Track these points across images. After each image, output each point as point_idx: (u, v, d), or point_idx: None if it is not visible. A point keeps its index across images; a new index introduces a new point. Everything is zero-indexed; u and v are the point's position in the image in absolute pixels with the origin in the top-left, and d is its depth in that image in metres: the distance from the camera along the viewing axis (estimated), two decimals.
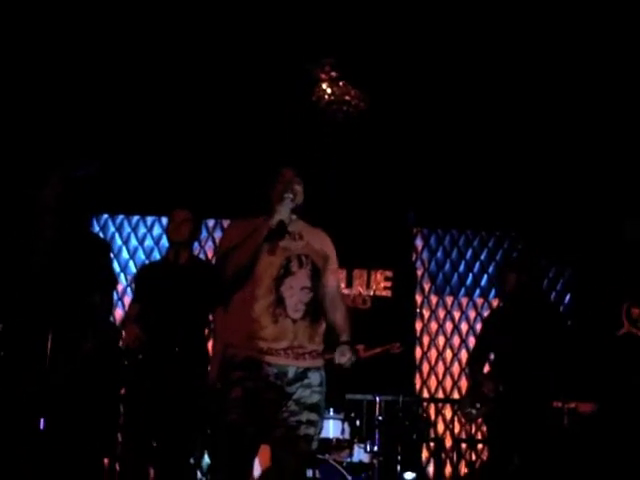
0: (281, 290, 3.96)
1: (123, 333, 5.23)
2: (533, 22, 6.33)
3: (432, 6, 6.16)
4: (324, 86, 6.89)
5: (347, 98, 6.94)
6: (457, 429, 8.68)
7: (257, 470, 5.41)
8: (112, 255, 5.71)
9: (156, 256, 8.70)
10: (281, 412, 3.88)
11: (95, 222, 8.86)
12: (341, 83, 6.88)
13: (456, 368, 8.91)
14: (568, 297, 9.02)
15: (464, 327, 9.01)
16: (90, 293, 4.81)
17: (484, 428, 7.36)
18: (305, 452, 3.94)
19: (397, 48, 6.62)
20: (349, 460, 6.34)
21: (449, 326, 9.03)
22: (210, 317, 5.55)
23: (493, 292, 9.03)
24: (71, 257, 4.78)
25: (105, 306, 5.05)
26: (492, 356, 6.36)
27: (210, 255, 8.82)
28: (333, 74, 6.85)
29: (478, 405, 5.98)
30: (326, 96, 6.93)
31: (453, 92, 7.18)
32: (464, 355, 8.69)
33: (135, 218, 8.98)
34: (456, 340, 9.00)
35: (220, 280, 4.02)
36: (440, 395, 8.88)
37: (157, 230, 8.91)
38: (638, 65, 6.59)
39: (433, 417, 8.74)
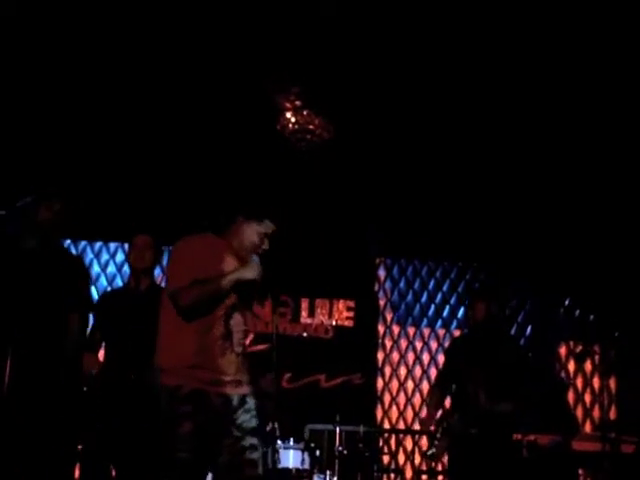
0: (230, 324, 4.01)
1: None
2: (508, 61, 6.41)
3: (397, 36, 6.20)
4: (288, 115, 6.91)
5: (311, 127, 6.96)
6: (418, 460, 8.66)
7: None
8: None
9: (118, 283, 8.64)
10: (226, 439, 3.89)
11: None
12: (305, 112, 6.90)
13: (417, 399, 8.91)
14: (529, 329, 9.07)
15: (426, 358, 9.02)
16: (66, 312, 4.88)
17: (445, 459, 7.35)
18: (252, 477, 3.90)
19: (362, 77, 6.66)
20: None
21: (411, 356, 9.04)
22: None
23: (455, 323, 9.06)
24: (51, 273, 4.85)
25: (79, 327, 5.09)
26: (454, 386, 6.35)
27: None
28: (297, 103, 6.87)
29: (436, 442, 5.94)
30: (290, 125, 6.95)
31: (416, 123, 7.23)
32: (425, 386, 8.70)
33: (98, 244, 8.93)
34: (418, 371, 9.00)
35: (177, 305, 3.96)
36: (401, 426, 8.87)
37: (120, 256, 8.86)
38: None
39: (394, 448, 8.73)
